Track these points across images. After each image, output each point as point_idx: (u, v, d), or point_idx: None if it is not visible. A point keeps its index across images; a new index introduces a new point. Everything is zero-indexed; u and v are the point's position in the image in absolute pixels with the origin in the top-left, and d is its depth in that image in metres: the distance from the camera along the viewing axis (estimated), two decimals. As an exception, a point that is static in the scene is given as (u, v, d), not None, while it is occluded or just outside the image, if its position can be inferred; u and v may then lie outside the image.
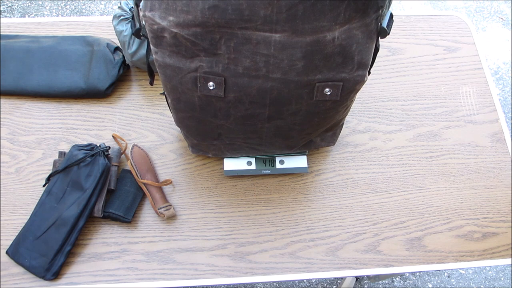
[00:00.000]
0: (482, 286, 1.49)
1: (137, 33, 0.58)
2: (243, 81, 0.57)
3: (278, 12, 0.48)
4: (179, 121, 0.70)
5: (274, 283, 1.44)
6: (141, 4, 0.52)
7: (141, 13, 0.52)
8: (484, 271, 1.52)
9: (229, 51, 0.53)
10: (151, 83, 0.68)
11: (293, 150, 0.76)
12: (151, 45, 0.56)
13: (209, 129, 0.69)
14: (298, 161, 0.79)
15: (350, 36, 0.52)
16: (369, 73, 0.60)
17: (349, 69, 0.56)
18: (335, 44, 0.52)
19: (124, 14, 0.80)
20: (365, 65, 0.57)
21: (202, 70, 0.56)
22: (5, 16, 1.84)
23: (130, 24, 0.80)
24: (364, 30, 0.52)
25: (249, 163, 0.78)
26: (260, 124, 0.65)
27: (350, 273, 0.74)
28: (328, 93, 0.59)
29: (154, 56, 0.57)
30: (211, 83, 0.57)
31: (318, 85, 0.58)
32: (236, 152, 0.76)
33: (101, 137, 0.82)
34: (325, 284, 1.45)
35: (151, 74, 0.67)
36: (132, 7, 0.81)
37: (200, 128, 0.69)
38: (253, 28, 0.50)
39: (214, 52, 0.54)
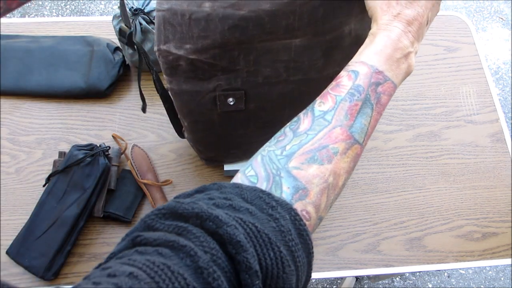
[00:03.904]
0: (482, 286, 1.49)
1: (130, 40, 0.56)
2: (263, 90, 0.56)
3: (300, 19, 0.47)
4: (196, 142, 0.67)
5: (274, 283, 1.44)
6: (154, 38, 0.50)
7: (155, 48, 0.50)
8: (484, 271, 1.52)
9: (248, 65, 0.52)
10: (144, 110, 0.65)
11: None
12: (164, 75, 0.53)
13: (229, 141, 0.67)
14: (298, 161, 0.79)
15: (363, 24, 0.52)
16: None
17: None
18: (352, 36, 0.52)
19: (124, 14, 0.80)
20: None
21: (221, 88, 0.54)
22: (5, 16, 1.84)
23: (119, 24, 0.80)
24: None
25: (249, 163, 0.78)
26: (280, 126, 0.65)
27: (350, 273, 0.74)
28: None
29: (168, 85, 0.54)
30: (230, 99, 0.56)
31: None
32: (252, 155, 0.76)
33: (101, 137, 0.82)
34: (325, 284, 1.45)
35: (143, 100, 0.64)
36: (132, 7, 0.81)
37: (220, 143, 0.67)
38: (274, 39, 0.49)
39: (232, 69, 0.52)
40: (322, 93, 0.40)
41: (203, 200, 0.32)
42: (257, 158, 0.37)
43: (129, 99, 0.86)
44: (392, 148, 0.85)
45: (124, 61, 0.86)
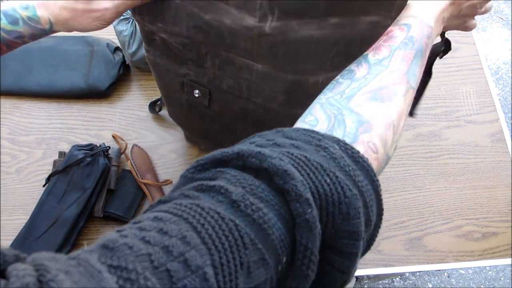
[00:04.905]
0: (482, 286, 1.49)
1: None
2: (227, 97, 0.56)
3: (259, 48, 0.46)
4: (172, 114, 0.70)
5: (274, 283, 1.44)
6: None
7: (130, 13, 0.52)
8: (484, 271, 1.52)
9: (214, 67, 0.52)
10: None
11: None
12: (143, 43, 0.55)
13: (197, 128, 0.69)
14: (298, 161, 0.79)
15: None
16: None
17: None
18: (318, 88, 0.49)
19: (124, 14, 0.80)
20: None
21: (189, 77, 0.55)
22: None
23: (130, 24, 0.80)
24: None
25: (249, 163, 0.78)
26: (245, 136, 0.65)
27: (350, 273, 0.74)
28: None
29: (146, 54, 0.57)
30: (196, 91, 0.57)
31: None
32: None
33: (101, 137, 0.82)
34: (325, 284, 1.45)
35: None
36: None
37: (190, 125, 0.69)
38: (235, 53, 0.48)
39: (201, 64, 0.53)
40: (373, 46, 0.39)
41: (244, 144, 0.30)
42: (316, 106, 0.36)
43: (129, 99, 0.86)
44: (392, 148, 0.85)
45: (124, 61, 0.86)
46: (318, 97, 0.37)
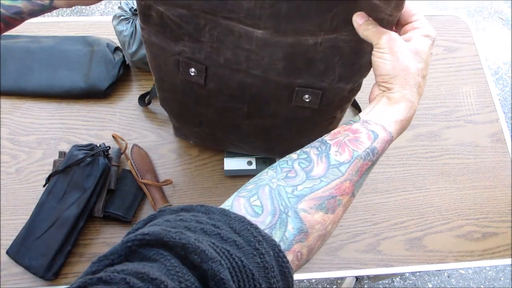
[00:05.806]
0: (482, 286, 1.49)
1: None
2: (223, 72, 0.56)
3: (261, 7, 0.46)
4: (163, 101, 0.69)
5: (274, 283, 1.44)
6: None
7: None
8: (484, 271, 1.52)
9: (212, 40, 0.52)
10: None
11: (272, 154, 0.75)
12: (139, 21, 0.55)
13: (190, 114, 0.68)
14: (298, 161, 0.79)
15: (335, 46, 0.49)
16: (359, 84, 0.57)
17: (330, 79, 0.54)
18: (318, 50, 0.50)
19: (124, 14, 0.80)
20: (347, 79, 0.54)
21: (185, 55, 0.55)
22: (5, 16, 1.83)
23: (130, 24, 0.80)
24: (353, 45, 0.49)
25: (250, 163, 0.78)
26: (240, 120, 0.65)
27: (350, 273, 0.74)
28: (307, 100, 0.57)
29: (141, 31, 0.57)
30: (192, 69, 0.57)
31: (297, 89, 0.56)
32: (217, 145, 0.75)
33: (101, 137, 0.82)
34: (325, 284, 1.45)
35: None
36: (132, 7, 0.81)
37: (182, 112, 0.69)
38: (236, 20, 0.49)
39: (198, 39, 0.53)
40: (337, 140, 0.41)
41: (191, 222, 0.31)
42: (265, 189, 0.38)
43: (129, 99, 0.86)
44: (392, 148, 0.85)
45: (124, 61, 0.86)
46: (270, 173, 0.39)
